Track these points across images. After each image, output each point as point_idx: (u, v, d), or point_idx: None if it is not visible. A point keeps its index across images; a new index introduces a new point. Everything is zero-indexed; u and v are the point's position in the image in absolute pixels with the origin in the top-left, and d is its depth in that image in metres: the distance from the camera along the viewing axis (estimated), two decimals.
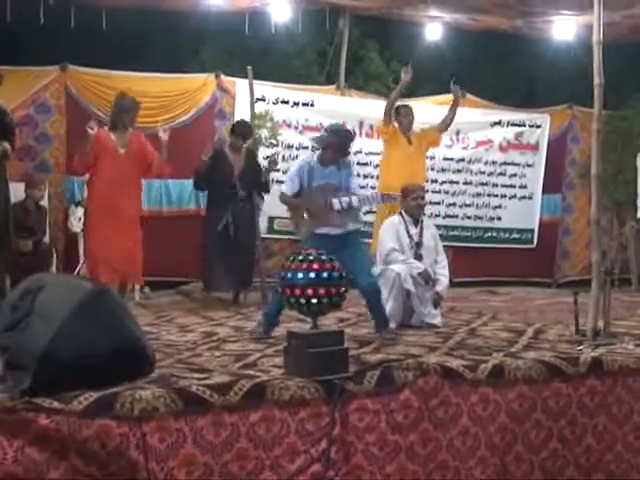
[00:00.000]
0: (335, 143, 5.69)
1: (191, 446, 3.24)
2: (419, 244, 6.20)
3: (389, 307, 5.83)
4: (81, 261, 7.71)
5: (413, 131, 7.73)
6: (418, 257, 6.14)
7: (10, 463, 2.93)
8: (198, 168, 7.74)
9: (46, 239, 7.81)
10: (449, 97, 9.95)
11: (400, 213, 6.34)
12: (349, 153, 5.93)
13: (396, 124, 7.64)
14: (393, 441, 3.68)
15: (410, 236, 6.21)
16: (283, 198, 5.82)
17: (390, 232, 6.22)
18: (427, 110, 9.11)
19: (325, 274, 3.61)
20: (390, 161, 7.69)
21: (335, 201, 5.57)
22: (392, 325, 5.71)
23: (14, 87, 7.49)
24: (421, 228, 6.28)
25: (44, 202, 7.92)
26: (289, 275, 3.66)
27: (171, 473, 3.20)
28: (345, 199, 5.60)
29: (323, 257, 3.65)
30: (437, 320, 6.03)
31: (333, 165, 5.74)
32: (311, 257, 3.64)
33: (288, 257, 3.78)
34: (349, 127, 7.58)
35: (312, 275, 3.59)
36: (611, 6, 6.38)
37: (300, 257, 3.67)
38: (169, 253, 8.42)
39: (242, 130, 7.82)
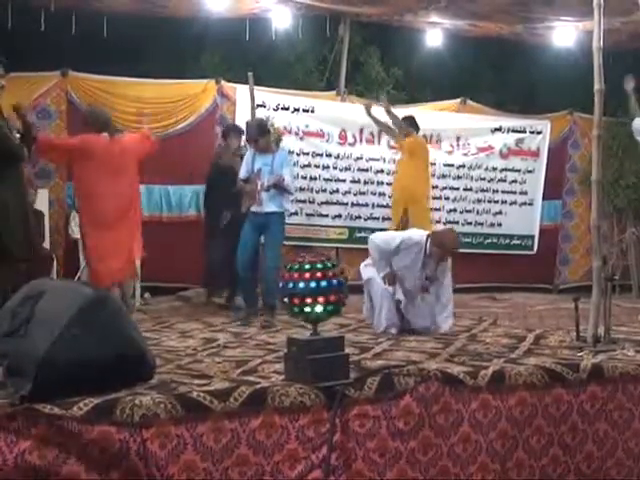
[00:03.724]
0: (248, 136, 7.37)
1: (191, 452, 3.24)
2: (429, 278, 5.93)
3: (384, 315, 5.87)
4: (81, 267, 7.71)
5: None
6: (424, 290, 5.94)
7: (11, 469, 2.93)
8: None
9: (46, 245, 7.81)
10: (450, 103, 10.02)
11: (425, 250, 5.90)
12: (257, 140, 7.08)
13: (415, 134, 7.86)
14: (394, 447, 3.67)
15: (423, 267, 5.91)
16: (238, 182, 7.16)
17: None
18: (427, 116, 9.13)
19: (324, 283, 3.61)
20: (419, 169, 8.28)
21: (259, 182, 6.93)
22: (393, 331, 5.77)
23: (15, 93, 7.47)
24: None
25: (43, 207, 7.92)
26: (290, 285, 3.66)
27: (171, 479, 3.19)
28: (267, 179, 6.90)
29: (320, 265, 3.65)
30: (445, 326, 5.94)
31: (269, 154, 7.07)
32: (311, 266, 3.64)
33: (287, 265, 3.78)
34: (349, 133, 7.86)
35: (313, 284, 3.60)
36: (611, 12, 6.39)
37: (297, 266, 3.67)
38: (169, 259, 8.43)
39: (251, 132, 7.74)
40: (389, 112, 8.29)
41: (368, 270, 6.10)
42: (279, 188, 6.97)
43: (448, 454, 3.81)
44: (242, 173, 7.12)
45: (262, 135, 7.14)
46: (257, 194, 6.95)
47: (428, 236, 5.90)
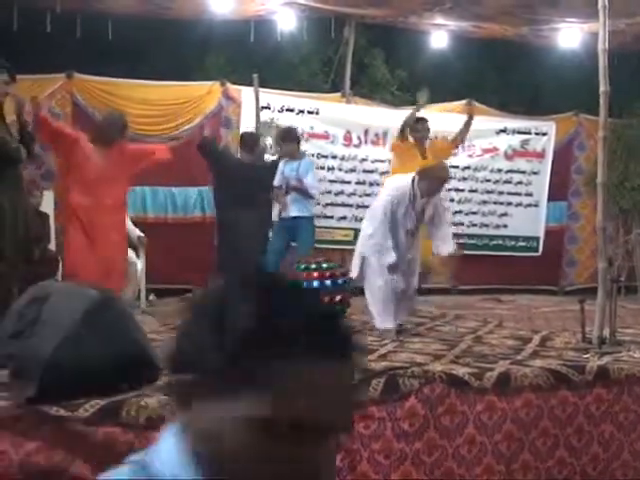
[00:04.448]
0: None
1: None
2: (419, 220, 6.06)
3: (390, 311, 5.91)
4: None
5: (427, 144, 7.80)
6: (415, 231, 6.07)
7: (17, 470, 2.93)
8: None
9: (52, 247, 7.81)
10: (454, 105, 10.00)
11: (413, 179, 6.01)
12: (278, 145, 7.70)
13: (411, 139, 7.69)
14: (399, 449, 3.67)
15: (414, 207, 6.00)
16: (274, 190, 7.62)
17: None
18: (432, 118, 9.12)
19: (329, 282, 3.61)
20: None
21: (284, 187, 7.46)
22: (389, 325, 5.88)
23: (20, 95, 7.51)
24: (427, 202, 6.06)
25: (49, 209, 7.92)
26: None
27: None
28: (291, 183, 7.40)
29: (324, 265, 3.65)
30: (445, 248, 6.12)
31: (296, 160, 7.55)
32: (314, 266, 3.64)
33: (291, 265, 3.78)
34: (354, 135, 7.87)
35: (316, 284, 3.59)
36: (616, 14, 6.38)
37: (303, 266, 3.67)
38: (174, 260, 8.43)
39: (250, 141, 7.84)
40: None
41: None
42: (300, 192, 7.43)
43: (453, 456, 3.81)
44: (276, 181, 7.60)
45: (286, 141, 7.54)
46: (284, 200, 7.51)
47: (413, 179, 5.94)
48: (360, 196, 9.58)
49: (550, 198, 10.49)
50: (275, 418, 1.02)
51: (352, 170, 9.55)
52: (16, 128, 5.47)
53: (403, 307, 6.14)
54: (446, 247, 6.09)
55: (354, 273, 5.92)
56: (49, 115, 6.59)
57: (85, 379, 3.21)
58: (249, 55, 9.56)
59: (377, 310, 5.95)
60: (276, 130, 7.98)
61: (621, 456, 4.26)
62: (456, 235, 9.70)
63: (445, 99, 9.66)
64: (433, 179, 5.92)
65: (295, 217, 7.50)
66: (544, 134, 10.39)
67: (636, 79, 9.94)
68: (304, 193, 7.49)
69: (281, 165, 7.69)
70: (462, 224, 10.03)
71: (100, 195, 6.25)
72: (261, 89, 8.30)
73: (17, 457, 2.94)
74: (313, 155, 9.27)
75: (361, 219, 9.51)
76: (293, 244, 7.57)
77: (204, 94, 9.03)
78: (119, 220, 6.65)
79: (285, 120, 8.96)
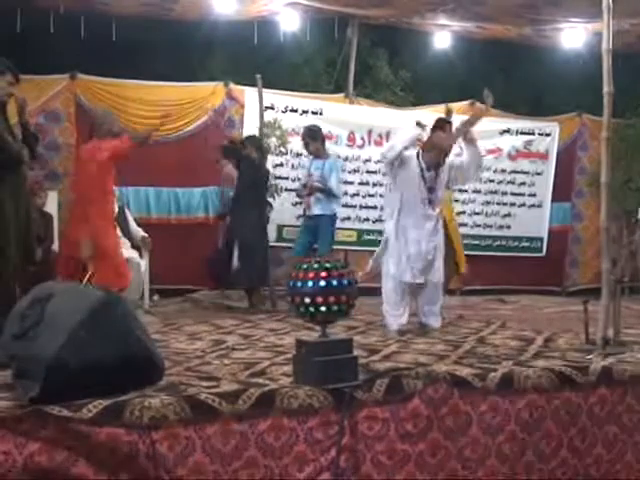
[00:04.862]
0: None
1: (200, 454, 3.24)
2: (432, 189, 6.09)
3: (396, 311, 6.05)
4: (90, 270, 7.71)
5: None
6: (429, 202, 6.08)
7: (20, 471, 2.93)
8: None
9: (55, 247, 7.82)
10: (457, 105, 9.98)
11: (417, 156, 6.10)
12: (305, 144, 7.90)
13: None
14: (402, 450, 3.67)
15: (424, 178, 6.07)
16: (299, 187, 8.08)
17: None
18: (435, 118, 9.10)
19: (335, 282, 3.59)
20: None
21: (308, 185, 7.74)
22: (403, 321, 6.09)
23: (24, 96, 7.51)
24: (437, 174, 6.13)
25: (52, 210, 7.93)
26: (299, 284, 3.64)
27: None
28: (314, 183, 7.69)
29: (329, 265, 3.64)
30: (434, 321, 6.20)
31: (321, 159, 7.82)
32: (319, 265, 3.63)
33: (296, 265, 3.77)
34: (357, 135, 7.88)
35: (322, 283, 3.58)
36: (620, 14, 6.37)
37: (307, 265, 3.66)
38: (178, 261, 8.44)
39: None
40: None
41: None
42: (324, 192, 7.72)
43: (457, 457, 3.80)
44: (303, 179, 8.08)
45: (313, 140, 7.85)
46: (308, 198, 7.81)
47: (417, 153, 6.07)
48: (363, 197, 9.59)
49: (554, 199, 10.50)
50: None
51: (355, 171, 9.56)
52: (19, 129, 5.47)
53: (425, 301, 6.21)
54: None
55: (368, 267, 6.26)
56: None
57: (88, 379, 3.21)
58: (252, 56, 9.57)
59: (385, 308, 6.12)
60: (303, 129, 8.15)
61: (625, 457, 4.25)
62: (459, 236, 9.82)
63: (448, 99, 9.65)
64: (433, 149, 6.05)
65: (317, 215, 7.80)
66: (547, 135, 10.39)
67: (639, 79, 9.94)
68: (328, 193, 7.73)
69: (307, 163, 8.13)
70: (466, 225, 10.03)
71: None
72: (264, 90, 8.31)
73: (21, 458, 2.94)
74: None
75: (365, 220, 9.58)
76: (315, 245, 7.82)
77: (207, 95, 9.05)
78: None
79: (289, 121, 8.97)
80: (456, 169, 6.21)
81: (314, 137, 7.88)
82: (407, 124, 6.32)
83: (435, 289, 6.21)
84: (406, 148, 5.98)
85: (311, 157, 8.01)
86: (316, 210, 7.81)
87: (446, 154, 6.15)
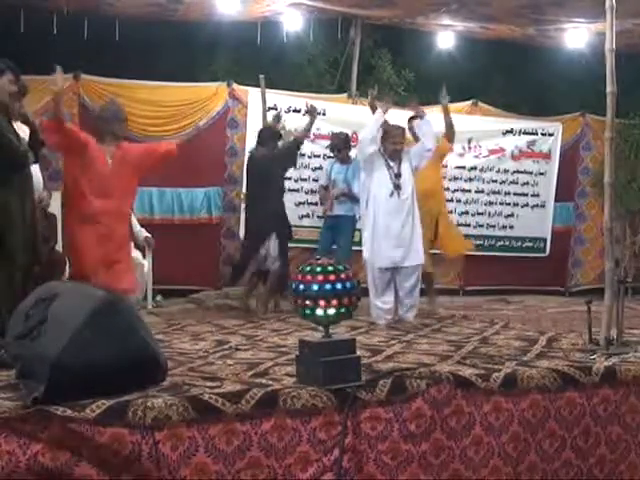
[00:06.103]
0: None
1: (203, 455, 3.24)
2: (398, 175, 6.60)
3: (379, 293, 6.49)
4: None
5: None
6: (397, 187, 6.55)
7: (23, 471, 2.94)
8: None
9: (59, 247, 7.82)
10: (461, 105, 9.99)
11: (379, 150, 6.70)
12: (338, 151, 8.22)
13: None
14: (405, 450, 3.66)
15: (390, 167, 6.64)
16: (319, 189, 8.60)
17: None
18: (438, 118, 9.11)
19: (339, 285, 3.60)
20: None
21: (332, 190, 8.12)
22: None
23: (28, 96, 7.52)
24: (400, 161, 6.69)
25: (56, 210, 7.93)
26: (302, 287, 3.64)
27: None
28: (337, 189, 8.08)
29: (331, 268, 3.64)
30: (410, 315, 6.59)
31: (345, 164, 8.18)
32: (323, 268, 3.63)
33: (299, 267, 3.77)
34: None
35: (328, 287, 3.58)
36: (623, 14, 6.37)
37: (309, 268, 3.65)
38: (181, 261, 8.45)
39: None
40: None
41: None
42: (348, 196, 8.05)
43: (460, 457, 3.80)
44: (323, 180, 8.48)
45: (346, 147, 8.23)
46: (330, 200, 8.13)
47: (379, 148, 6.71)
48: None
49: (557, 199, 10.49)
50: None
51: None
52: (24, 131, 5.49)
53: (406, 292, 6.55)
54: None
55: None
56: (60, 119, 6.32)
57: (92, 380, 3.22)
58: (255, 56, 9.58)
59: (370, 299, 6.53)
60: (333, 136, 8.48)
61: (628, 457, 4.24)
62: (462, 236, 9.83)
63: (451, 99, 9.64)
64: (387, 139, 6.71)
65: (338, 215, 8.14)
66: (551, 135, 10.39)
67: None
68: (352, 198, 7.97)
69: (327, 166, 8.46)
70: (469, 225, 10.03)
71: (110, 196, 6.22)
72: (268, 90, 8.32)
73: (24, 457, 2.95)
74: (319, 156, 9.29)
75: None
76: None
77: (211, 95, 9.05)
78: (125, 220, 6.60)
79: (291, 121, 8.97)
80: (413, 153, 6.86)
81: (348, 145, 8.26)
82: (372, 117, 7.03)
83: (414, 274, 6.58)
84: (379, 130, 6.69)
85: (333, 161, 8.37)
86: (338, 211, 8.15)
87: (400, 142, 6.78)
